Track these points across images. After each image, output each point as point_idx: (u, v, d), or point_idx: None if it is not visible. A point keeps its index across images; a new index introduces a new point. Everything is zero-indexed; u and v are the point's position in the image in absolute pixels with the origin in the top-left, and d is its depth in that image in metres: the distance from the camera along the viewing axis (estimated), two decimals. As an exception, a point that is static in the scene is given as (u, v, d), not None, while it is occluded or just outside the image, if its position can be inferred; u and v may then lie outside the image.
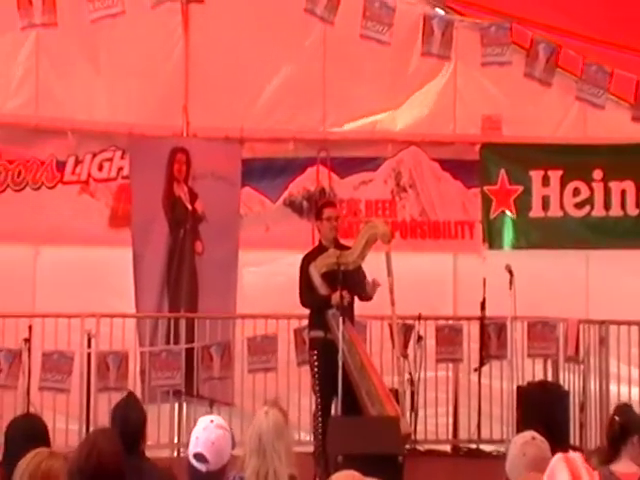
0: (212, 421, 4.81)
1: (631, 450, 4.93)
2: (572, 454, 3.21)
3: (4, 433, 5.19)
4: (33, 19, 8.99)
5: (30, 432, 5.15)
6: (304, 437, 8.93)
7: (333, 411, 8.36)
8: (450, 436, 10.13)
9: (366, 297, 8.55)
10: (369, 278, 8.52)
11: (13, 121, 9.86)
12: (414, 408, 9.51)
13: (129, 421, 5.39)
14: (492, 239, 10.68)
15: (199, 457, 4.69)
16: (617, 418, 5.01)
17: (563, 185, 10.67)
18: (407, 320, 9.64)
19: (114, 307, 9.70)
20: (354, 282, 8.45)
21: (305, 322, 8.96)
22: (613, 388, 9.51)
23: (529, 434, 4.38)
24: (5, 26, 9.20)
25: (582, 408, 9.58)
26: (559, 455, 3.25)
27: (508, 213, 10.68)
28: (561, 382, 9.92)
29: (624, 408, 5.20)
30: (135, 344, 9.63)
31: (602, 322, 9.52)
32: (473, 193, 10.77)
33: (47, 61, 10.05)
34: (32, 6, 8.96)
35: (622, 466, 4.92)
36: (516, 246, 10.66)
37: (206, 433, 4.73)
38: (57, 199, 10.04)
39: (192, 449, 4.74)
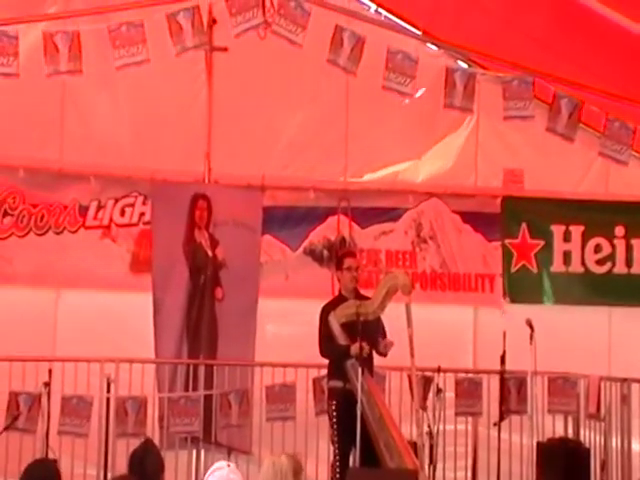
0: (229, 465, 4.84)
1: None
2: None
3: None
4: (59, 66, 9.00)
5: (42, 477, 5.14)
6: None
7: (351, 462, 8.31)
8: (469, 490, 10.09)
9: (381, 353, 8.54)
10: (388, 332, 8.50)
11: (37, 165, 9.93)
12: (433, 461, 9.40)
13: (147, 467, 5.38)
14: (513, 293, 10.65)
15: None
16: None
17: (585, 241, 10.67)
18: (426, 372, 9.57)
19: (133, 352, 9.68)
20: (373, 333, 8.44)
21: (324, 372, 8.94)
22: (635, 446, 9.44)
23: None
24: (31, 72, 9.25)
25: (603, 466, 9.50)
26: None
27: (529, 267, 10.66)
28: (582, 439, 9.85)
29: None
30: (154, 390, 9.62)
31: (624, 380, 9.46)
32: (494, 246, 10.78)
33: (72, 106, 10.13)
34: (58, 53, 8.99)
35: None
36: (537, 301, 10.62)
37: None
38: (79, 243, 10.08)
39: None
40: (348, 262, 8.76)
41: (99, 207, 10.19)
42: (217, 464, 4.90)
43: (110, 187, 10.23)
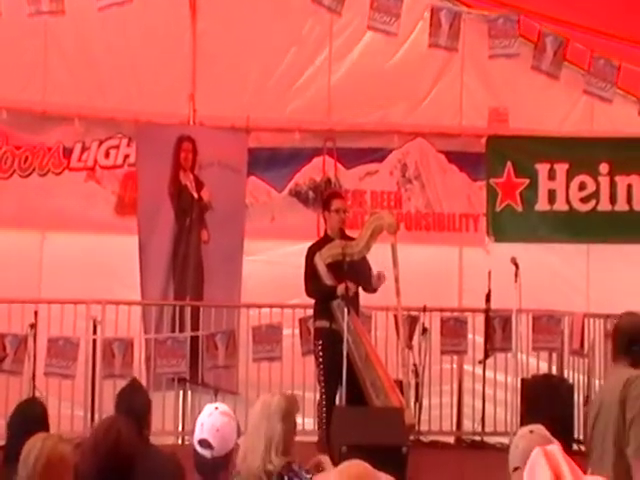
0: (217, 408, 4.83)
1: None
2: (551, 447, 3.17)
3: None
4: (40, 6, 8.91)
5: (30, 416, 5.19)
6: (308, 427, 8.94)
7: (337, 401, 8.37)
8: (454, 428, 10.14)
9: (371, 289, 8.58)
10: (374, 270, 8.53)
11: (21, 107, 9.87)
12: (418, 399, 9.50)
13: (134, 406, 5.41)
14: (497, 232, 10.66)
15: (204, 443, 4.69)
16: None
17: (569, 179, 10.66)
18: (412, 311, 9.63)
19: (120, 294, 9.71)
20: (359, 273, 8.47)
21: (310, 312, 8.98)
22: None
23: (528, 428, 4.36)
24: (13, 11, 9.15)
25: (586, 401, 9.56)
26: (538, 449, 3.21)
27: (514, 206, 10.67)
28: (566, 375, 9.94)
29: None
30: (140, 331, 9.64)
31: (607, 316, 9.48)
32: (479, 186, 10.78)
33: (55, 47, 10.04)
34: (40, -8, 8.92)
35: None
36: (521, 239, 10.64)
37: (211, 420, 4.74)
38: (64, 185, 10.05)
39: (197, 435, 4.74)
40: (336, 204, 8.75)
41: (83, 149, 10.15)
42: (206, 408, 4.88)
43: (94, 129, 10.19)
